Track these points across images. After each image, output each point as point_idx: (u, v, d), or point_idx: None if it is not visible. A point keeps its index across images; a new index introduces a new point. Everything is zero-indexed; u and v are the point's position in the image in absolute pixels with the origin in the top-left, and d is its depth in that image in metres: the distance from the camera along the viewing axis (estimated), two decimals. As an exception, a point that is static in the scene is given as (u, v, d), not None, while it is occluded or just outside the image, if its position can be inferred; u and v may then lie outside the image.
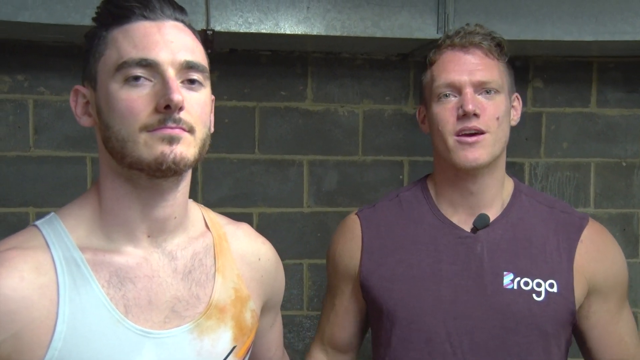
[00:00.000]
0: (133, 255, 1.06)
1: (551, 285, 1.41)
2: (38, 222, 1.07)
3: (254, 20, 1.92)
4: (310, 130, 2.43)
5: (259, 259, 1.25)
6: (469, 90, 1.42)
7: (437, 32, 1.96)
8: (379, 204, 1.60)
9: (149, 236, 1.07)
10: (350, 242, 1.58)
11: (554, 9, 2.00)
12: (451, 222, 1.50)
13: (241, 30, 1.91)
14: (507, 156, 1.44)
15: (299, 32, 1.95)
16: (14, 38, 2.18)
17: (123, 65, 0.99)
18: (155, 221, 1.07)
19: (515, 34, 2.00)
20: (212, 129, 1.11)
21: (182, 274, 1.10)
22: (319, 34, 1.96)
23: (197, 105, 1.03)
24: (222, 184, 2.40)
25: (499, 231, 1.47)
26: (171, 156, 0.98)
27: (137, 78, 0.99)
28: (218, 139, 2.36)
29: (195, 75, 1.03)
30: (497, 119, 1.42)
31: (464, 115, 1.41)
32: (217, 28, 1.88)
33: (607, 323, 1.48)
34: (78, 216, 1.07)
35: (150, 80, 1.00)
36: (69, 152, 2.31)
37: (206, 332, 1.09)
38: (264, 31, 1.94)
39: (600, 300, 1.47)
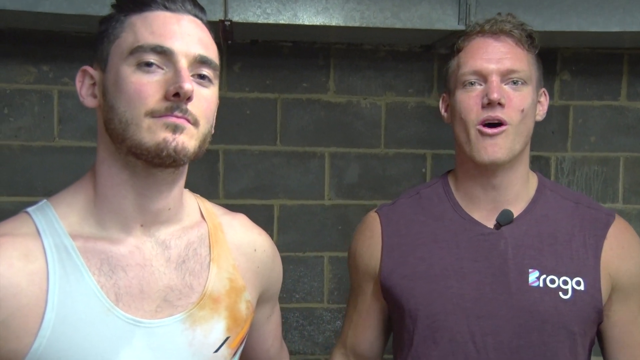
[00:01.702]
0: (125, 243, 1.06)
1: (578, 283, 1.37)
2: (30, 209, 1.07)
3: (272, 11, 1.91)
4: (332, 122, 2.42)
5: (255, 250, 1.24)
6: (495, 79, 1.38)
7: (458, 23, 1.92)
8: (399, 201, 1.57)
9: (141, 225, 1.07)
10: (370, 240, 1.54)
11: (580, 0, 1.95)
12: (472, 219, 1.46)
13: (259, 21, 1.90)
14: (532, 150, 1.41)
15: (318, 23, 1.94)
16: (39, 29, 2.20)
17: (137, 49, 1.00)
18: (149, 212, 1.07)
19: (539, 25, 1.95)
20: (213, 130, 1.11)
21: (176, 264, 1.09)
22: (337, 24, 1.94)
23: (205, 100, 1.04)
24: (243, 176, 2.40)
25: (523, 227, 1.42)
26: (173, 144, 0.98)
27: (149, 64, 1.00)
28: (239, 130, 2.37)
29: (206, 71, 1.04)
30: (522, 111, 1.38)
31: (489, 104, 1.36)
32: (235, 19, 1.87)
33: (628, 323, 1.43)
34: (70, 203, 1.07)
35: (162, 69, 1.00)
36: (93, 142, 2.29)
37: (199, 322, 1.09)
38: (282, 22, 1.92)
39: (622, 298, 1.41)
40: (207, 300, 1.11)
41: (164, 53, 1.00)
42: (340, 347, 1.64)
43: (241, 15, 1.88)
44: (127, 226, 1.06)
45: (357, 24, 1.93)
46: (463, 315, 1.39)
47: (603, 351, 1.49)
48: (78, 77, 1.08)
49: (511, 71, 1.39)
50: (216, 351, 1.11)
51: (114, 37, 1.03)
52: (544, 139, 2.43)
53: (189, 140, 1.00)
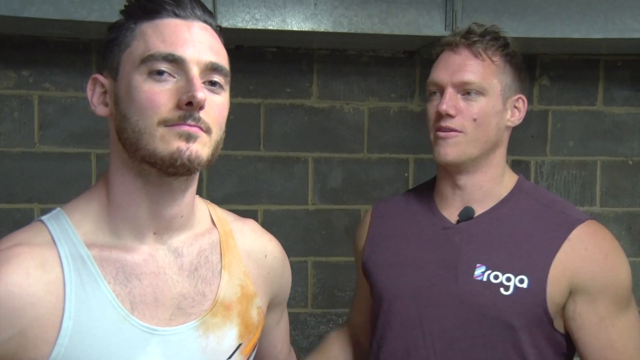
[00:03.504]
0: (139, 251, 1.05)
1: (521, 281, 1.41)
2: (44, 218, 1.06)
3: (261, 17, 1.91)
4: (315, 127, 2.43)
5: (266, 256, 1.24)
6: (450, 90, 1.45)
7: (445, 29, 1.95)
8: (395, 196, 1.70)
9: (154, 233, 1.07)
10: (362, 229, 1.68)
11: (563, 7, 1.99)
12: (440, 214, 1.53)
13: (248, 27, 1.90)
14: (512, 154, 1.47)
15: (306, 29, 1.94)
16: (19, 33, 2.17)
17: (149, 58, 0.99)
18: (163, 219, 1.07)
19: (523, 31, 1.99)
20: (224, 136, 1.11)
21: (188, 271, 1.09)
22: (326, 30, 1.95)
23: (216, 107, 1.03)
24: (227, 181, 2.39)
25: (482, 225, 1.48)
26: (187, 153, 0.98)
27: (161, 72, 0.99)
28: (223, 135, 2.36)
29: (217, 78, 1.03)
30: (475, 120, 1.44)
31: (440, 115, 1.45)
32: (224, 24, 1.87)
33: (595, 326, 1.42)
34: (84, 211, 1.06)
35: (174, 77, 1.00)
36: (74, 148, 2.31)
37: (212, 330, 1.09)
38: (271, 28, 1.92)
39: (587, 301, 1.42)
40: (219, 308, 1.11)
41: (176, 61, 0.99)
42: (347, 321, 1.83)
43: (230, 20, 1.88)
44: (140, 234, 1.06)
45: (345, 30, 1.94)
46: (413, 302, 1.48)
47: (579, 355, 1.49)
48: (89, 86, 1.07)
49: (464, 83, 1.45)
50: (229, 358, 1.11)
51: (124, 46, 1.02)
52: (524, 143, 2.47)
53: (202, 148, 1.00)
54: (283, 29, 1.93)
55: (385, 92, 2.44)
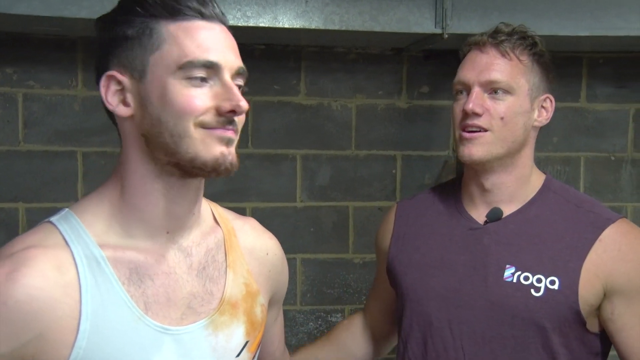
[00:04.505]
0: (151, 251, 1.06)
1: (552, 282, 1.41)
2: (53, 219, 1.05)
3: (252, 14, 1.91)
4: (303, 124, 2.43)
5: (267, 254, 1.26)
6: (477, 89, 1.46)
7: (435, 27, 1.96)
8: (419, 195, 1.71)
9: (168, 232, 1.08)
10: (386, 227, 1.69)
11: (551, 5, 2.02)
12: (468, 214, 1.54)
13: (239, 24, 1.89)
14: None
15: (297, 26, 1.94)
16: (3, 30, 2.14)
17: (188, 65, 0.99)
18: (178, 218, 1.08)
19: (512, 28, 2.01)
20: None
21: (197, 270, 1.11)
22: (317, 27, 1.95)
23: None
24: (216, 179, 2.36)
25: (510, 226, 1.49)
26: (229, 158, 1.01)
27: (199, 78, 0.99)
28: (211, 133, 2.35)
29: (241, 82, 1.05)
30: (502, 119, 1.44)
31: (466, 113, 1.45)
32: (216, 22, 1.86)
33: (634, 327, 1.43)
34: (95, 212, 1.05)
35: (208, 82, 1.00)
36: (60, 146, 2.28)
37: (220, 328, 1.10)
38: (262, 25, 1.92)
39: (624, 303, 1.42)
40: (226, 306, 1.12)
41: (212, 67, 0.99)
42: (363, 310, 1.83)
43: (221, 17, 1.87)
44: (153, 234, 1.06)
45: (336, 27, 1.94)
46: (443, 303, 1.49)
47: (620, 357, 1.49)
48: (102, 82, 1.03)
49: (490, 82, 1.46)
50: (238, 355, 1.13)
51: (153, 47, 1.00)
52: (510, 139, 2.49)
53: (234, 150, 1.03)
54: (274, 26, 1.92)
55: (373, 89, 2.45)
